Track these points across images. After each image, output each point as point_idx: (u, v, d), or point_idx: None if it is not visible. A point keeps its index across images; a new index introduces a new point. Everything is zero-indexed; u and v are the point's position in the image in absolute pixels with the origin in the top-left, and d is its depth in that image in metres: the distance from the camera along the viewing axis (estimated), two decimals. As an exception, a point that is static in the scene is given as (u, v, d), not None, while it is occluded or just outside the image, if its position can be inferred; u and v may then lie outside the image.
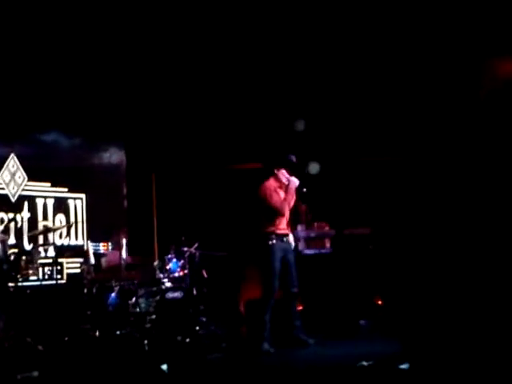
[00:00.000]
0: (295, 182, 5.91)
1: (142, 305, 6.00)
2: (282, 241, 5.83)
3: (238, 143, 7.98)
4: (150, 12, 6.48)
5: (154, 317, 5.89)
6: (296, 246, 7.09)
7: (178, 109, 7.89)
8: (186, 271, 6.39)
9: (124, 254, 6.37)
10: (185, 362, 5.31)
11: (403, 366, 4.64)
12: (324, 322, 6.14)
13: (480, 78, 7.65)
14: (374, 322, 6.39)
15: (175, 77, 7.61)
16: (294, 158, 6.00)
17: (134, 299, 5.95)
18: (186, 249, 6.50)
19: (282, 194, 5.89)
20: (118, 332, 5.65)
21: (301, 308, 6.99)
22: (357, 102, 7.81)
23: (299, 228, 7.17)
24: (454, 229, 4.86)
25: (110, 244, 6.82)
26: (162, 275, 6.28)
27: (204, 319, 6.17)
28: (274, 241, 5.74)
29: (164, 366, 5.01)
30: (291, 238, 6.04)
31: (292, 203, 5.94)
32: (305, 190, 6.05)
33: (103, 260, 6.50)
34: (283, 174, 5.94)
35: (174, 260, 6.44)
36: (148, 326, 5.81)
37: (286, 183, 5.91)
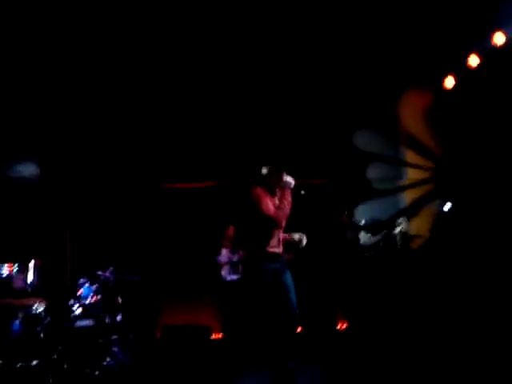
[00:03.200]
0: (291, 181, 4.72)
1: (49, 334, 5.59)
2: (274, 261, 4.65)
3: (154, 163, 7.86)
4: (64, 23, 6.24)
5: (61, 347, 5.50)
6: (219, 271, 6.93)
7: (94, 127, 7.62)
8: (98, 297, 6.03)
9: (30, 277, 5.96)
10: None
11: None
12: (246, 353, 5.94)
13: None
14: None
15: (93, 91, 7.39)
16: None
17: (39, 327, 5.54)
18: (100, 273, 6.15)
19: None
20: (20, 364, 5.24)
21: (221, 336, 6.83)
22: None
23: (223, 252, 7.00)
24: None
25: (15, 265, 6.38)
26: (72, 301, 5.89)
27: (116, 349, 5.83)
28: (265, 262, 4.60)
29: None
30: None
31: (289, 211, 4.70)
32: (303, 192, 4.75)
33: (8, 283, 6.05)
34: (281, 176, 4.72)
35: (87, 285, 6.06)
36: (54, 357, 5.41)
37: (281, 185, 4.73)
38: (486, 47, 6.66)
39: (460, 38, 6.80)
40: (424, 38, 7.03)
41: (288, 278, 4.68)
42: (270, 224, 4.56)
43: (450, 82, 7.38)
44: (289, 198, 4.66)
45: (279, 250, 4.68)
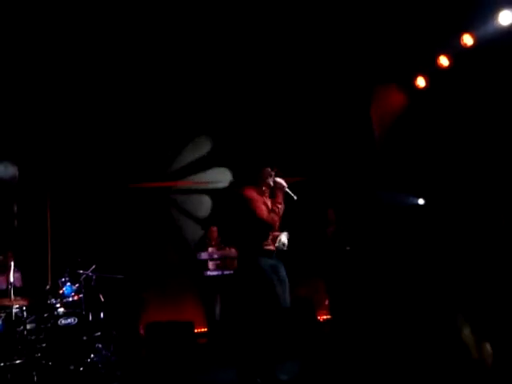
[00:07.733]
0: (282, 183, 4.73)
1: (32, 332, 5.61)
2: (269, 257, 4.65)
3: (135, 163, 7.90)
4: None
5: (44, 345, 5.53)
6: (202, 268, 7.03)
7: (75, 126, 7.63)
8: (80, 295, 6.06)
9: (11, 278, 5.96)
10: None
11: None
12: (228, 347, 6.03)
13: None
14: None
15: (71, 92, 7.43)
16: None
17: (22, 327, 5.56)
18: (81, 271, 6.18)
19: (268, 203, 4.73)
20: (3, 363, 5.25)
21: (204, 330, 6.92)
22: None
23: (209, 250, 7.10)
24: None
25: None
26: (54, 300, 5.92)
27: (100, 346, 5.88)
28: (261, 258, 4.59)
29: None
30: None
31: (281, 213, 4.74)
32: (296, 197, 4.75)
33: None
34: (269, 174, 4.73)
35: (69, 284, 6.09)
36: (38, 355, 5.44)
37: (271, 185, 4.75)
38: (455, 48, 6.89)
39: (430, 38, 7.01)
40: (395, 39, 7.23)
41: (283, 272, 4.70)
42: (265, 227, 4.62)
43: (421, 82, 7.62)
44: (281, 200, 4.71)
45: (273, 247, 4.69)
